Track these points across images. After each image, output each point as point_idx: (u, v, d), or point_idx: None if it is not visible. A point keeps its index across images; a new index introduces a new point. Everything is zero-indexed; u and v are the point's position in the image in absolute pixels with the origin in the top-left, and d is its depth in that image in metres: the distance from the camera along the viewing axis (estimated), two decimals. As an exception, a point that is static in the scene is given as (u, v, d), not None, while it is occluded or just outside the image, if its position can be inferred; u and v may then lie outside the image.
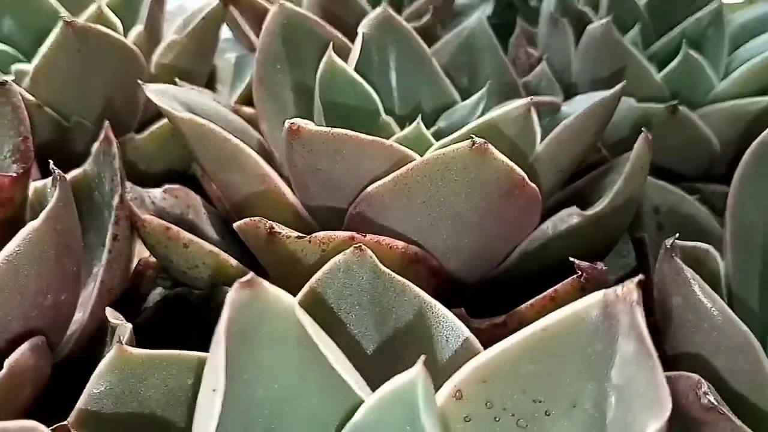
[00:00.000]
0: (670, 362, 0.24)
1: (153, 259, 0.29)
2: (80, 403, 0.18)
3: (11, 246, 0.20)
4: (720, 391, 0.22)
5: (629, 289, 0.15)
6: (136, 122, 0.35)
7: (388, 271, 0.20)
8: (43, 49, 0.31)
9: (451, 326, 0.19)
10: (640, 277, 0.16)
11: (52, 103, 0.31)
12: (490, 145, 0.22)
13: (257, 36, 0.43)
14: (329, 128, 0.24)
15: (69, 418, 0.18)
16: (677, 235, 0.23)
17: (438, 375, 0.17)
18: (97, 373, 0.18)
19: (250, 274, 0.16)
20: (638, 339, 0.15)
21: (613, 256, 0.31)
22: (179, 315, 0.28)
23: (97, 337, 0.25)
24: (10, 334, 0.21)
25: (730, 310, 0.22)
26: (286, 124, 0.24)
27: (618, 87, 0.28)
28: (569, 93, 0.37)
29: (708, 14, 0.39)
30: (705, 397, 0.20)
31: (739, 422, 0.20)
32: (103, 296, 0.24)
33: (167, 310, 0.28)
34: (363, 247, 0.20)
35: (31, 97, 0.31)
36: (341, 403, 0.17)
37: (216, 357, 0.15)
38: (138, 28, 0.36)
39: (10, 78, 0.32)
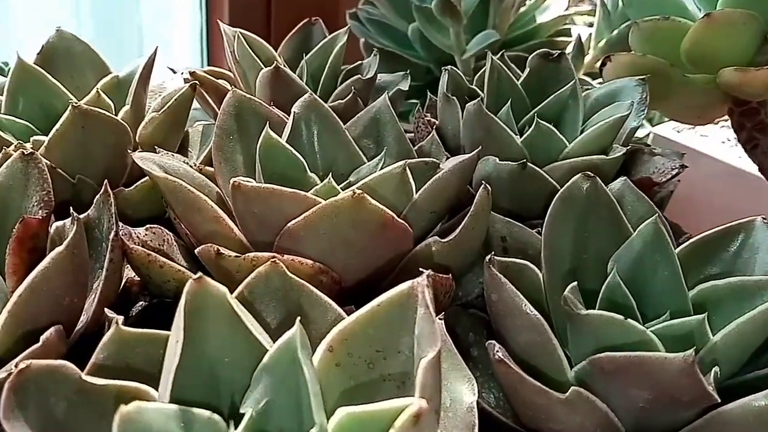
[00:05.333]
0: (495, 336, 0.34)
1: (137, 279, 0.39)
2: (91, 362, 0.28)
3: (45, 262, 0.30)
4: (521, 359, 0.33)
5: (422, 279, 0.26)
6: (125, 178, 0.45)
7: (293, 276, 0.30)
8: (57, 125, 0.41)
9: (329, 307, 0.29)
10: (429, 272, 0.26)
11: (62, 166, 0.42)
12: (365, 195, 0.33)
13: (219, 110, 0.54)
14: (260, 184, 0.35)
15: (85, 370, 0.28)
16: (493, 253, 0.34)
17: (320, 338, 0.27)
18: (102, 343, 0.29)
19: (199, 274, 0.26)
20: (425, 306, 0.25)
21: (479, 273, 0.41)
22: (156, 318, 0.38)
23: (96, 331, 0.35)
24: (41, 323, 0.31)
25: (527, 302, 0.32)
26: (231, 181, 0.35)
27: (474, 152, 0.39)
28: (459, 152, 0.49)
29: (567, 89, 0.50)
30: (496, 354, 0.30)
31: (520, 371, 0.30)
32: (101, 302, 0.34)
33: (147, 315, 0.38)
34: (277, 261, 0.30)
35: (46, 161, 0.41)
36: (256, 355, 0.27)
37: (178, 321, 0.26)
38: (126, 108, 0.46)
39: (29, 146, 0.42)
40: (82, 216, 0.37)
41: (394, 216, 0.34)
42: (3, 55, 0.64)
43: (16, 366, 0.27)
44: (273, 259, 0.31)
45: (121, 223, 0.37)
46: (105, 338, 0.29)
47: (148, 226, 0.39)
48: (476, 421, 0.29)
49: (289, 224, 0.35)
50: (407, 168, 0.37)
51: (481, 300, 0.39)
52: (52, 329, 0.30)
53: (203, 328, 0.26)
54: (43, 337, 0.29)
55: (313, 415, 0.24)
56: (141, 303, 0.40)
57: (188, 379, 0.26)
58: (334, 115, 0.42)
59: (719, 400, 0.29)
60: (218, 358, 0.27)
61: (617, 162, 0.45)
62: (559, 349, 0.32)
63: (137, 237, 0.38)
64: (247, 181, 0.35)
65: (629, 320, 0.31)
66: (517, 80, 0.51)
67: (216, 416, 0.25)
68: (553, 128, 0.46)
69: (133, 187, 0.43)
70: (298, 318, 0.25)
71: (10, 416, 0.23)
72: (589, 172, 0.37)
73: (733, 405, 0.29)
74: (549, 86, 0.51)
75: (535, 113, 0.48)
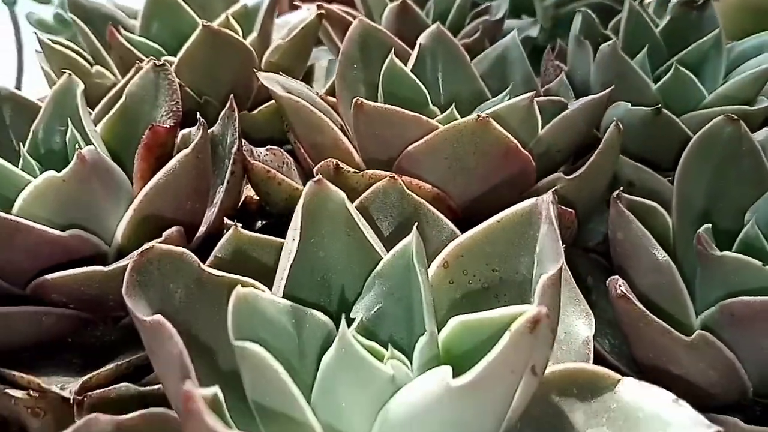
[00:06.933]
0: (615, 272, 0.32)
1: (256, 198, 0.40)
2: (210, 258, 0.29)
3: (171, 164, 0.31)
4: (645, 300, 0.31)
5: (547, 196, 0.25)
6: (249, 103, 0.46)
7: (409, 192, 0.29)
8: (187, 44, 0.42)
9: (444, 225, 0.28)
10: (554, 188, 0.25)
11: (190, 85, 0.42)
12: (490, 119, 0.32)
13: (343, 44, 0.54)
14: (383, 104, 0.34)
15: (206, 263, 0.28)
16: (621, 188, 0.32)
17: (434, 254, 0.27)
18: (221, 243, 0.29)
19: (318, 176, 0.26)
20: (549, 222, 0.24)
21: (600, 221, 0.39)
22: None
23: (214, 239, 0.35)
24: (163, 222, 0.32)
25: (655, 242, 0.31)
26: (353, 100, 0.34)
27: (605, 92, 0.37)
28: (587, 98, 0.46)
29: (710, 39, 0.47)
30: (618, 288, 0.29)
31: (642, 307, 0.28)
32: (221, 212, 0.35)
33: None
34: (396, 178, 0.30)
35: (176, 79, 0.42)
36: (370, 262, 0.26)
37: (295, 221, 0.26)
38: (253, 35, 0.47)
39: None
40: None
41: (519, 145, 0.33)
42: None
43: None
44: (392, 176, 0.30)
45: (243, 140, 0.37)
46: (223, 239, 0.29)
47: (268, 147, 0.39)
48: (591, 355, 0.28)
49: (409, 147, 0.34)
50: (534, 101, 0.35)
51: (602, 246, 0.37)
52: (173, 228, 0.31)
53: (320, 230, 0.26)
54: (165, 233, 0.30)
55: (424, 323, 0.24)
56: (258, 222, 0.41)
57: (301, 278, 0.26)
58: (462, 48, 0.41)
59: None
60: (332, 262, 0.26)
61: (762, 114, 0.42)
62: (686, 292, 0.30)
63: (258, 155, 0.38)
64: (370, 102, 0.35)
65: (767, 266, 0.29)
66: (656, 27, 0.48)
67: (326, 317, 0.25)
68: (692, 75, 0.43)
69: (257, 110, 0.44)
70: (416, 224, 0.25)
71: (132, 293, 0.23)
72: (733, 115, 0.34)
73: None
74: (689, 35, 0.48)
75: (674, 61, 0.45)
